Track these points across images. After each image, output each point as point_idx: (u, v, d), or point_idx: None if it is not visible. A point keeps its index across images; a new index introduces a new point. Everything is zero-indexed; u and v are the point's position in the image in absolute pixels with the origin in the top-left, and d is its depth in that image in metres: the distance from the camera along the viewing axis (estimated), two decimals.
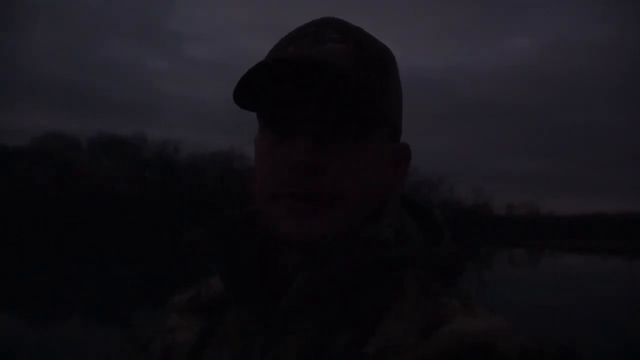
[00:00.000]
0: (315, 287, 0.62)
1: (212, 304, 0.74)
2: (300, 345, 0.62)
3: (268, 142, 0.66)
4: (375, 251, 0.62)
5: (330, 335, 0.61)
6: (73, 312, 12.08)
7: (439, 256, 0.66)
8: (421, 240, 0.68)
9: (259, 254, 0.71)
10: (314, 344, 0.61)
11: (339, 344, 0.60)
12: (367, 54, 0.65)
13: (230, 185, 49.45)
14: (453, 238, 0.70)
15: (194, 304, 0.76)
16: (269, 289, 0.68)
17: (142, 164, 52.99)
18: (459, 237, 0.72)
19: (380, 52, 0.68)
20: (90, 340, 8.41)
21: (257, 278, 0.69)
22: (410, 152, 0.73)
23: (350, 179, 0.63)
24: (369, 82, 0.63)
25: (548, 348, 0.53)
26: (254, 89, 0.64)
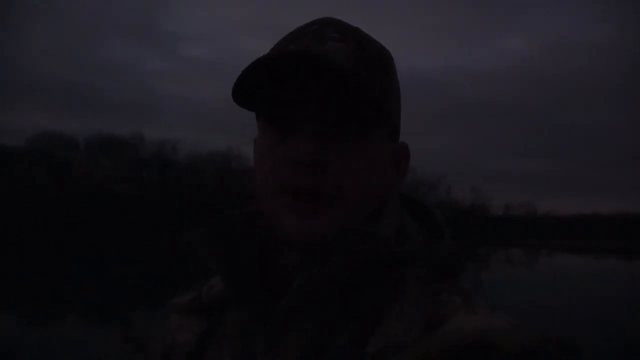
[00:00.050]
0: (315, 287, 0.62)
1: (213, 304, 0.74)
2: (300, 344, 0.62)
3: (268, 140, 0.66)
4: (376, 250, 0.63)
5: (330, 334, 0.61)
6: (72, 312, 12.07)
7: (440, 255, 0.66)
8: (421, 239, 0.68)
9: (259, 254, 0.71)
10: (315, 343, 0.62)
11: (340, 343, 0.60)
12: (367, 54, 0.66)
13: (228, 185, 49.47)
14: (453, 237, 0.70)
15: (194, 305, 0.76)
16: (269, 289, 0.68)
17: (140, 164, 52.97)
18: (457, 237, 0.72)
19: (380, 53, 0.69)
20: (89, 340, 8.41)
21: (257, 278, 0.69)
22: (409, 152, 0.73)
23: (350, 178, 0.63)
24: (370, 82, 0.63)
25: (549, 345, 0.53)
26: (253, 86, 0.64)
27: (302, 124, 0.63)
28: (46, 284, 16.12)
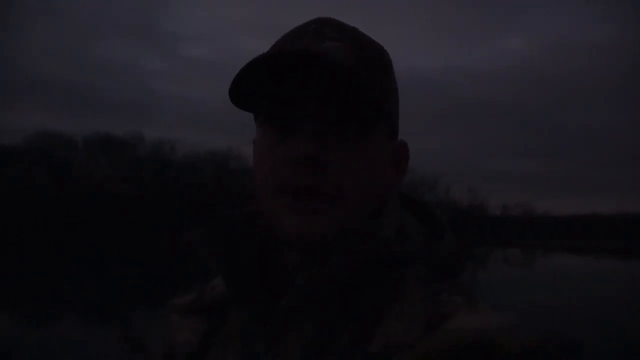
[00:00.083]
0: (316, 287, 0.62)
1: (214, 304, 0.74)
2: (301, 344, 0.62)
3: (268, 140, 0.66)
4: (376, 250, 0.62)
5: (331, 334, 0.61)
6: (71, 311, 12.06)
7: (439, 254, 0.66)
8: (421, 239, 0.68)
9: (259, 254, 0.71)
10: (315, 343, 0.61)
11: (341, 343, 0.60)
12: (367, 54, 0.66)
13: (227, 185, 49.43)
14: (454, 236, 0.70)
15: (195, 305, 0.76)
16: (269, 289, 0.68)
17: (138, 163, 52.91)
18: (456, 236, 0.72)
19: (379, 53, 0.69)
20: (88, 340, 8.41)
21: (257, 278, 0.69)
22: (409, 150, 0.73)
23: (350, 178, 0.63)
24: (370, 82, 0.63)
25: (551, 344, 0.53)
26: (252, 85, 0.63)
27: (302, 123, 0.63)
28: (45, 283, 16.11)
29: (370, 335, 0.59)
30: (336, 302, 0.63)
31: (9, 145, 49.07)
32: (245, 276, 0.69)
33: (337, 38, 0.65)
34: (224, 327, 0.71)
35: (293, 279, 0.64)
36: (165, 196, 48.11)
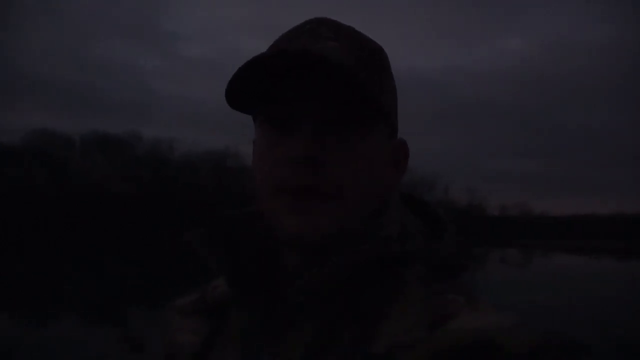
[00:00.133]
0: (316, 287, 0.62)
1: (217, 305, 0.74)
2: (302, 345, 0.62)
3: (267, 140, 0.66)
4: (376, 250, 0.62)
5: (333, 334, 0.61)
6: (69, 311, 12.05)
7: (443, 252, 0.66)
8: (422, 238, 0.67)
9: (259, 254, 0.71)
10: (317, 343, 0.61)
11: (342, 343, 0.60)
12: (364, 53, 0.65)
13: (224, 184, 49.39)
14: (456, 236, 0.69)
15: (197, 306, 0.76)
16: (269, 289, 0.68)
17: (136, 162, 52.83)
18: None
19: (376, 52, 0.69)
20: (87, 340, 8.40)
21: (257, 278, 0.69)
22: (408, 149, 0.73)
23: (350, 177, 0.63)
24: (368, 81, 0.63)
25: (554, 344, 0.53)
26: (248, 87, 0.63)
27: (301, 123, 0.63)
28: (43, 283, 16.09)
29: (372, 335, 0.58)
30: (337, 302, 0.62)
31: (7, 145, 49.06)
32: (246, 276, 0.69)
33: (333, 38, 0.65)
34: (225, 328, 0.71)
35: (293, 279, 0.64)
36: (163, 195, 48.06)
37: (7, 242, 32.22)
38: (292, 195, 0.62)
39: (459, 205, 68.46)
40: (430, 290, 0.61)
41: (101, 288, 15.36)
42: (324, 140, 0.62)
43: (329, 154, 0.62)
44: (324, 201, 0.62)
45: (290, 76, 0.62)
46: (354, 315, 0.61)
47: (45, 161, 47.79)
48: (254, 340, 0.66)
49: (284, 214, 0.63)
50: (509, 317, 0.56)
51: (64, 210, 43.43)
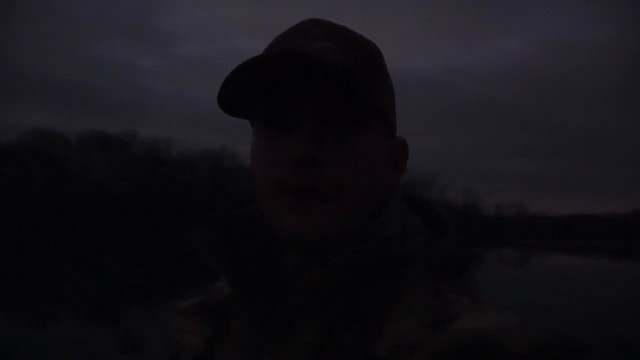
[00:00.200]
0: (317, 287, 0.62)
1: (219, 307, 0.74)
2: (306, 345, 0.62)
3: (265, 141, 0.66)
4: (376, 250, 0.62)
5: (334, 334, 0.61)
6: (68, 311, 12.04)
7: (444, 252, 0.66)
8: (422, 238, 0.67)
9: (259, 254, 0.71)
10: (318, 344, 0.61)
11: (344, 343, 0.60)
12: (362, 54, 0.65)
13: (221, 183, 49.37)
14: (458, 234, 0.69)
15: (200, 309, 0.76)
16: (269, 289, 0.68)
17: (134, 162, 52.73)
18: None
19: (371, 51, 0.68)
20: (86, 340, 8.40)
21: (258, 278, 0.69)
22: (408, 147, 0.73)
23: (349, 177, 0.63)
24: (365, 81, 0.63)
25: (557, 344, 0.53)
26: (241, 90, 0.63)
27: (299, 123, 0.63)
28: (41, 283, 16.08)
29: (374, 335, 0.58)
30: (337, 302, 0.62)
31: (5, 144, 48.99)
32: (246, 276, 0.69)
33: (326, 38, 0.64)
34: (229, 329, 0.71)
35: (293, 279, 0.64)
36: (161, 195, 48.02)
37: (6, 242, 32.20)
38: (291, 195, 0.62)
39: (455, 205, 68.51)
40: (431, 291, 0.61)
41: (100, 288, 15.36)
42: (322, 140, 0.62)
43: (328, 154, 0.62)
44: (323, 201, 0.62)
45: (288, 77, 0.62)
46: (355, 315, 0.61)
47: (42, 160, 47.73)
48: (258, 340, 0.66)
49: (284, 213, 0.63)
50: (511, 317, 0.56)
51: (61, 209, 43.39)
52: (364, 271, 0.62)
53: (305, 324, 0.63)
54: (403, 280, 0.62)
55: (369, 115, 0.64)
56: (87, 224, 42.62)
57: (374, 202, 0.67)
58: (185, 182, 50.57)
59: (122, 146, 54.19)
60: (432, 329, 0.56)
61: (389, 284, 0.62)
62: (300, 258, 0.65)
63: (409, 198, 0.73)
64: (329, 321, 0.62)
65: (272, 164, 0.64)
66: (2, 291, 14.04)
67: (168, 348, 0.76)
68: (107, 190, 46.59)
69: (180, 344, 0.74)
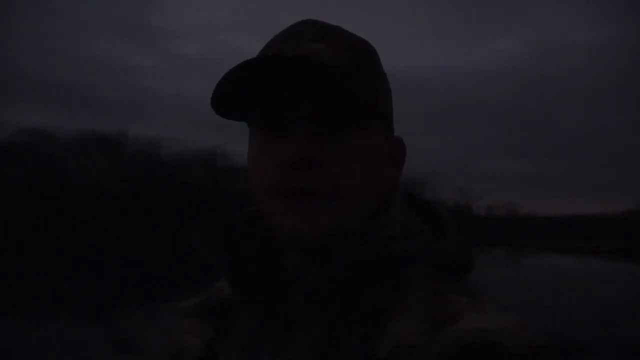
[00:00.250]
0: (317, 287, 0.62)
1: (219, 307, 0.74)
2: (305, 345, 0.62)
3: (261, 142, 0.66)
4: (376, 250, 0.62)
5: (335, 335, 0.61)
6: (67, 311, 12.04)
7: (445, 251, 0.66)
8: (422, 238, 0.67)
9: (259, 254, 0.71)
10: (319, 344, 0.61)
11: (345, 343, 0.60)
12: (358, 55, 0.65)
13: (220, 184, 49.35)
14: (459, 233, 0.69)
15: (200, 309, 0.75)
16: (270, 289, 0.68)
17: (130, 161, 52.61)
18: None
19: (366, 51, 0.68)
20: (85, 340, 8.40)
21: (258, 279, 0.69)
22: (405, 147, 0.73)
23: (347, 176, 0.63)
24: (362, 81, 0.63)
25: (558, 344, 0.53)
26: (237, 92, 0.63)
27: (295, 124, 0.63)
28: (40, 283, 16.07)
29: (375, 336, 0.58)
30: (338, 302, 0.62)
31: (4, 144, 48.86)
32: (246, 276, 0.69)
33: (321, 39, 0.64)
34: (229, 329, 0.71)
35: (294, 279, 0.64)
36: (158, 194, 47.94)
37: (6, 242, 32.20)
38: (288, 197, 0.62)
39: (446, 205, 68.40)
40: (432, 291, 0.61)
41: (99, 288, 15.35)
42: (319, 140, 0.62)
43: (325, 155, 0.62)
44: (321, 202, 0.62)
45: (283, 79, 0.62)
46: (356, 315, 0.61)
47: (41, 160, 47.69)
48: (255, 340, 0.66)
49: (283, 214, 0.63)
50: (511, 317, 0.56)
51: (60, 209, 43.35)
52: (365, 271, 0.62)
53: (306, 324, 0.63)
54: (403, 281, 0.62)
55: (367, 115, 0.64)
56: (86, 224, 42.58)
57: (374, 201, 0.67)
58: (185, 182, 50.51)
59: (119, 145, 54.10)
60: (432, 329, 0.56)
61: (389, 284, 0.62)
62: (301, 258, 0.65)
63: (409, 198, 0.73)
64: (330, 321, 0.62)
65: (269, 166, 0.64)
66: (2, 291, 14.03)
67: (168, 348, 0.76)
68: (107, 190, 46.53)
69: (181, 344, 0.74)
